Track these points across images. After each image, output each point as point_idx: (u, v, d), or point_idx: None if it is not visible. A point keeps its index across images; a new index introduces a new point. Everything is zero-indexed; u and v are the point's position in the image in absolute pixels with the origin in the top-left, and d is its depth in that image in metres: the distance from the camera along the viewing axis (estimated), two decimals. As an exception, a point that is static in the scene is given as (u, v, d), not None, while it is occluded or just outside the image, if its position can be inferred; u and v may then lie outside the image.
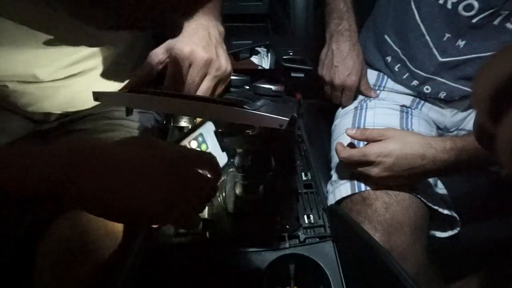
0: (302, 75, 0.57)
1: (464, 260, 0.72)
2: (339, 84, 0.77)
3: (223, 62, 0.54)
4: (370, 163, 0.59)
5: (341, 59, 0.77)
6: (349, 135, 0.63)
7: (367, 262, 0.44)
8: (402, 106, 0.77)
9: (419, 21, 0.71)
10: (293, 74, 0.58)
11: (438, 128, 0.80)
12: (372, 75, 0.82)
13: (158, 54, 0.54)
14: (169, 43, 0.54)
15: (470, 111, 0.77)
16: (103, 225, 0.53)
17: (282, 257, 0.50)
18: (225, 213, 0.55)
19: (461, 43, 0.69)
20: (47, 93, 0.62)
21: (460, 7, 0.66)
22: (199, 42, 0.53)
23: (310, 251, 0.51)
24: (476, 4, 0.64)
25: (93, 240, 0.52)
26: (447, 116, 0.78)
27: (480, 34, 0.67)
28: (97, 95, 0.43)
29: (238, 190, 0.56)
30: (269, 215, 0.55)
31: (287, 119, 0.38)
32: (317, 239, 0.53)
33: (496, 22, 0.65)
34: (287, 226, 0.54)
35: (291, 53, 0.59)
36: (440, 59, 0.71)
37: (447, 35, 0.69)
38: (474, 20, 0.66)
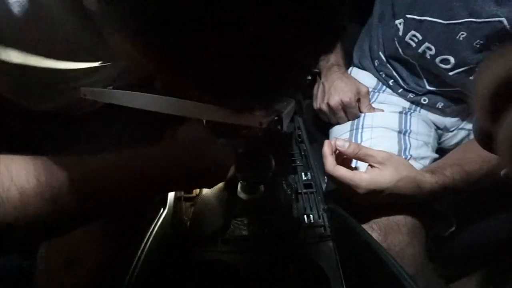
0: (309, 77, 0.56)
1: (463, 260, 0.72)
2: (335, 104, 0.76)
3: None
4: (356, 193, 0.55)
5: (332, 85, 0.77)
6: (340, 150, 0.57)
7: (367, 262, 0.44)
8: (401, 107, 0.78)
9: (404, 56, 0.72)
10: None
11: (438, 128, 0.80)
12: (371, 79, 0.82)
13: None
14: None
15: (469, 110, 0.78)
16: (105, 228, 0.53)
17: (282, 257, 0.50)
18: (226, 213, 0.55)
19: (446, 77, 0.70)
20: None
21: (437, 60, 0.66)
22: None
23: (310, 251, 0.51)
24: (452, 60, 0.65)
25: (94, 242, 0.52)
26: (447, 116, 0.78)
27: (459, 82, 0.68)
28: (84, 92, 0.43)
29: (238, 190, 0.56)
30: (269, 215, 0.55)
31: (269, 117, 0.37)
32: (317, 239, 0.53)
33: (472, 77, 0.65)
34: (287, 226, 0.54)
35: None
36: (428, 87, 0.73)
37: (434, 70, 0.70)
38: (451, 73, 0.67)
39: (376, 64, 0.80)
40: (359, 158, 0.57)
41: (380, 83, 0.81)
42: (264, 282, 0.49)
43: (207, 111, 0.37)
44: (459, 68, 0.65)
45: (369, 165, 0.57)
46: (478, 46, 0.61)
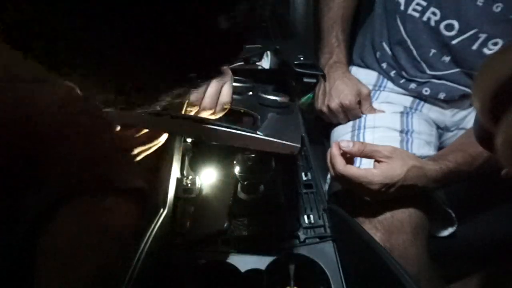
0: (314, 80, 0.56)
1: (464, 260, 0.72)
2: (335, 107, 0.76)
3: None
4: (369, 189, 0.56)
5: (333, 86, 0.77)
6: (345, 151, 0.57)
7: (367, 262, 0.44)
8: (403, 107, 0.78)
9: (405, 37, 0.72)
10: (305, 80, 0.57)
11: (438, 127, 0.80)
12: (372, 76, 0.82)
13: None
14: None
15: (470, 109, 0.78)
16: (107, 225, 0.53)
17: (282, 257, 0.50)
18: (225, 213, 0.55)
19: (446, 58, 0.70)
20: None
21: (442, 26, 0.67)
22: None
23: (310, 251, 0.51)
24: (456, 25, 0.65)
25: (96, 240, 0.51)
26: (448, 115, 0.78)
27: (461, 55, 0.68)
28: (106, 114, 0.42)
29: (238, 190, 0.56)
30: (269, 215, 0.55)
31: (298, 145, 0.38)
32: (317, 239, 0.53)
33: (474, 47, 0.66)
34: (287, 226, 0.54)
35: (301, 58, 0.58)
36: (429, 72, 0.73)
37: (433, 50, 0.71)
38: (454, 42, 0.67)
39: (378, 56, 0.80)
40: (366, 156, 0.58)
41: (381, 78, 0.81)
42: (264, 282, 0.49)
43: (238, 138, 0.40)
44: (462, 34, 0.66)
45: (375, 161, 0.57)
46: (481, 4, 0.62)
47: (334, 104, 0.76)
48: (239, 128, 0.40)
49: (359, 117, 0.77)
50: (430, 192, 0.63)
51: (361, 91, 0.76)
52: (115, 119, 0.46)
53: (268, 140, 0.40)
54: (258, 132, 0.39)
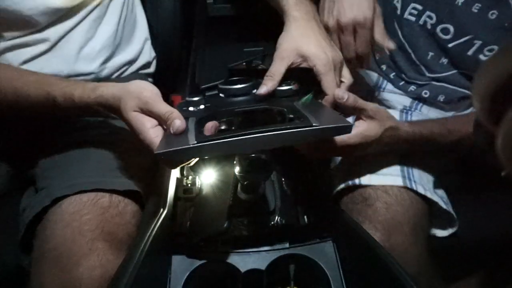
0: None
1: (464, 260, 0.72)
2: (347, 22, 0.59)
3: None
4: (344, 148, 0.56)
5: None
6: (340, 102, 0.53)
7: (367, 262, 0.44)
8: (402, 106, 0.78)
9: (403, 40, 0.72)
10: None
11: (438, 127, 0.80)
12: (371, 76, 0.82)
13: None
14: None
15: (470, 110, 0.78)
16: (100, 227, 0.53)
17: (282, 257, 0.50)
18: (225, 213, 0.55)
19: (444, 60, 0.70)
20: None
21: (438, 29, 0.67)
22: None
23: (310, 251, 0.51)
24: (451, 29, 0.65)
25: (89, 241, 0.51)
26: (447, 115, 0.78)
27: (458, 58, 0.68)
28: (162, 155, 0.40)
29: (238, 190, 0.56)
30: (269, 215, 0.55)
31: (351, 123, 0.39)
32: (317, 239, 0.53)
33: (470, 53, 0.65)
34: (287, 226, 0.54)
35: None
36: (428, 74, 0.73)
37: (431, 53, 0.71)
38: (450, 45, 0.67)
39: (377, 58, 0.80)
40: (355, 111, 0.57)
41: (381, 79, 0.81)
42: (264, 282, 0.49)
43: (298, 136, 0.40)
44: (458, 39, 0.66)
45: (356, 118, 0.57)
46: (476, 11, 0.62)
47: (346, 19, 0.59)
48: (298, 125, 0.40)
49: (367, 44, 0.62)
50: (403, 152, 0.64)
51: (375, 6, 0.61)
52: None
53: (326, 127, 0.39)
54: (314, 124, 0.39)
